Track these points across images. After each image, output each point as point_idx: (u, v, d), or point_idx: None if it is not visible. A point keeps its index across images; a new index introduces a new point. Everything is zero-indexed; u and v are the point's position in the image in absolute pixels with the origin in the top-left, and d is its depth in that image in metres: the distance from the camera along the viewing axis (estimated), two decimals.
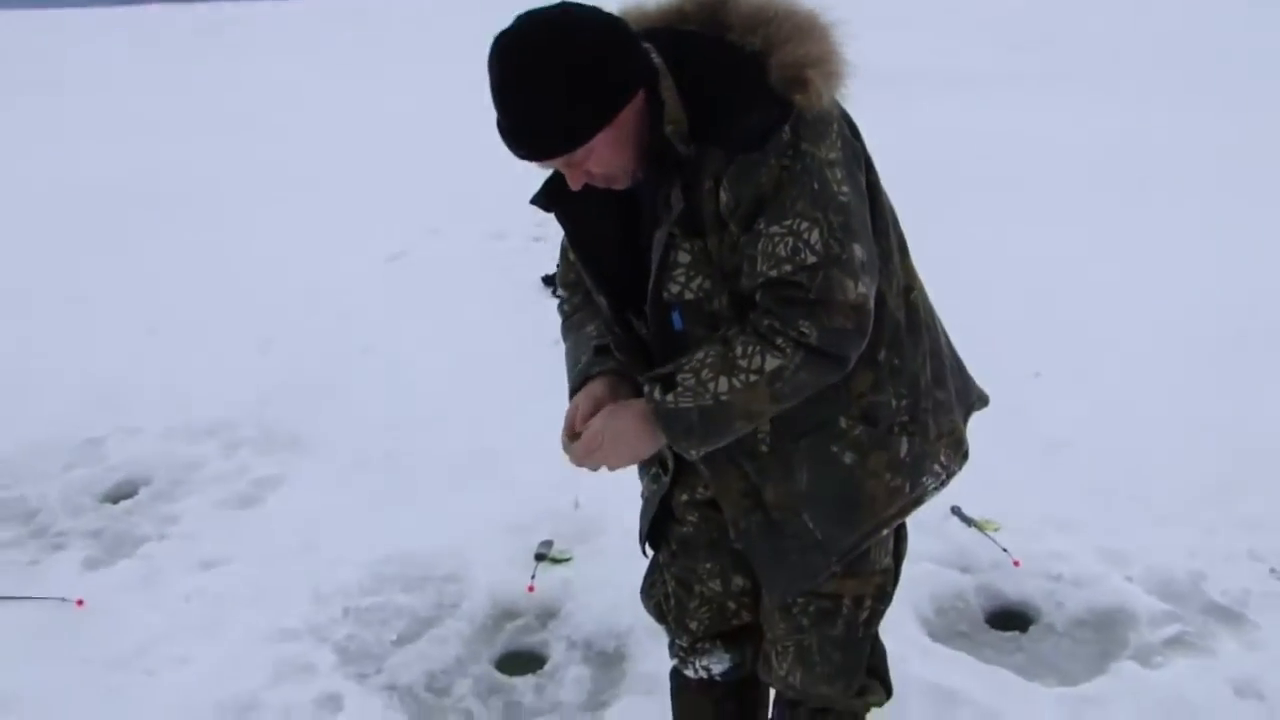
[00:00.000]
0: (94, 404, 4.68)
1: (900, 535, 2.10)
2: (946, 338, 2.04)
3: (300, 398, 4.70)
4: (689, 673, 2.28)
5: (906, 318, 1.87)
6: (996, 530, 3.50)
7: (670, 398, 1.71)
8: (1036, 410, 4.42)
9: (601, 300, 1.90)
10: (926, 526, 3.51)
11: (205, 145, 11.14)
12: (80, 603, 3.24)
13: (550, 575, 3.33)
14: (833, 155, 1.67)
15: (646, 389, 1.75)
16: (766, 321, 1.68)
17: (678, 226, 1.70)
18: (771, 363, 1.66)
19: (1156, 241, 6.68)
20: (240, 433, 4.41)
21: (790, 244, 1.63)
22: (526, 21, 1.63)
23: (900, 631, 3.05)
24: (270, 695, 2.86)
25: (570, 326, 2.01)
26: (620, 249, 1.84)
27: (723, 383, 1.68)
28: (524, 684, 2.98)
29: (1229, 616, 3.17)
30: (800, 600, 2.00)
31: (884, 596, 2.07)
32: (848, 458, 1.83)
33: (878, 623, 2.11)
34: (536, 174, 1.81)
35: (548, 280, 5.63)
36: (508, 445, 4.10)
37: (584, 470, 1.85)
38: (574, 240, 1.90)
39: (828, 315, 1.64)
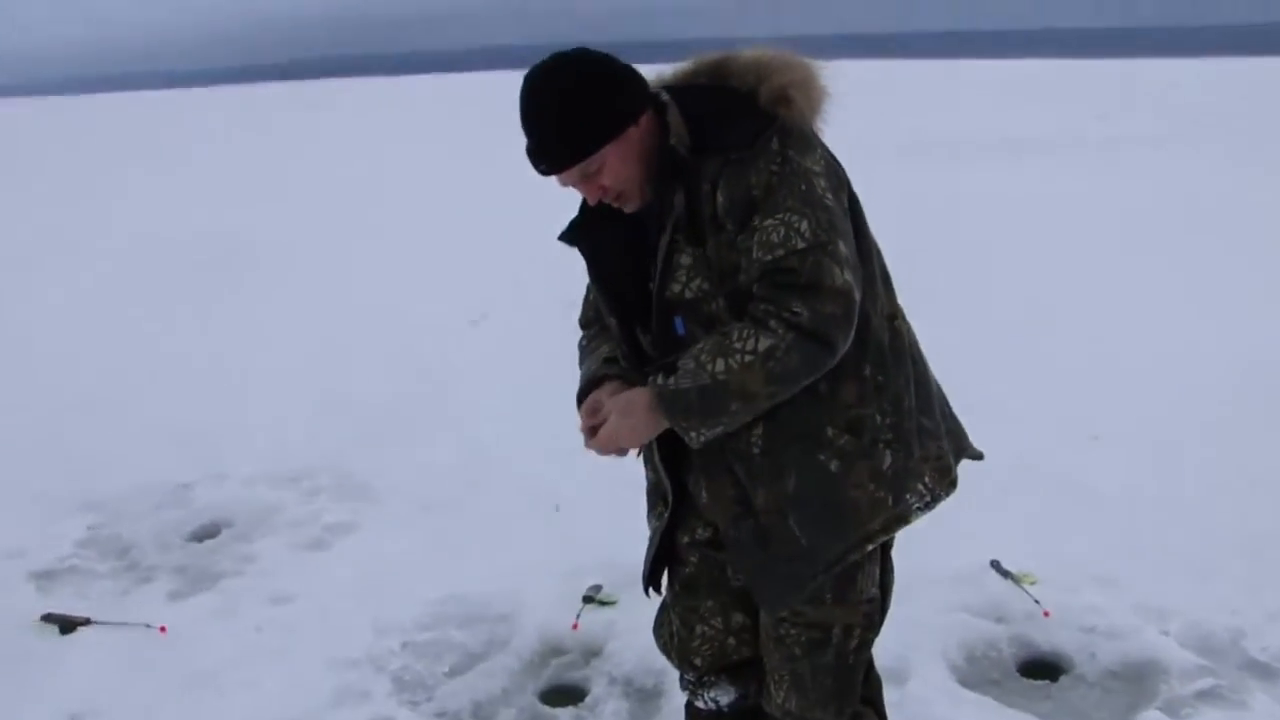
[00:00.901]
0: (186, 452, 5.00)
1: (886, 568, 2.22)
2: (936, 383, 2.19)
3: (377, 450, 4.96)
4: (700, 704, 2.42)
5: (890, 340, 2.03)
6: (1033, 584, 3.57)
7: (671, 380, 1.89)
8: (1084, 469, 4.49)
9: (612, 321, 2.11)
10: (962, 577, 3.63)
11: (299, 211, 11.67)
12: (163, 629, 3.50)
13: (596, 616, 3.50)
14: (817, 168, 1.90)
15: (650, 378, 1.94)
16: (762, 307, 1.85)
17: (679, 232, 1.92)
18: (765, 343, 1.82)
19: (1209, 302, 6.69)
20: (319, 481, 4.68)
21: (782, 232, 1.83)
22: (547, 58, 1.96)
23: (929, 677, 3.16)
24: (329, 717, 3.07)
25: (585, 352, 2.23)
26: (632, 278, 2.06)
27: (719, 364, 1.84)
28: (565, 715, 3.14)
29: (1267, 673, 3.20)
30: (793, 632, 2.14)
31: (872, 625, 2.19)
32: (833, 465, 1.98)
33: (867, 651, 2.22)
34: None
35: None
36: (566, 496, 4.30)
37: (606, 459, 2.07)
38: (593, 268, 2.13)
39: (817, 299, 1.81)
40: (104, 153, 20.65)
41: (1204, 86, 24.06)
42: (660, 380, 1.91)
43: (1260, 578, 3.64)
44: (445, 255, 9.26)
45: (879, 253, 2.06)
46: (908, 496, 2.04)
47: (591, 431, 2.01)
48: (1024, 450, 4.59)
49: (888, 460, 2.01)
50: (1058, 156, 13.77)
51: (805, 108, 1.91)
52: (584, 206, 2.09)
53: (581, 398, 2.10)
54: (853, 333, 1.86)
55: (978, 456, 2.25)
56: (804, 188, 1.86)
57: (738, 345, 1.84)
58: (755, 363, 1.81)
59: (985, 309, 6.59)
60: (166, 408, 5.61)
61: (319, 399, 5.68)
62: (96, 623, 3.56)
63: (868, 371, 1.98)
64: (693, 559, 2.29)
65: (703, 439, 1.90)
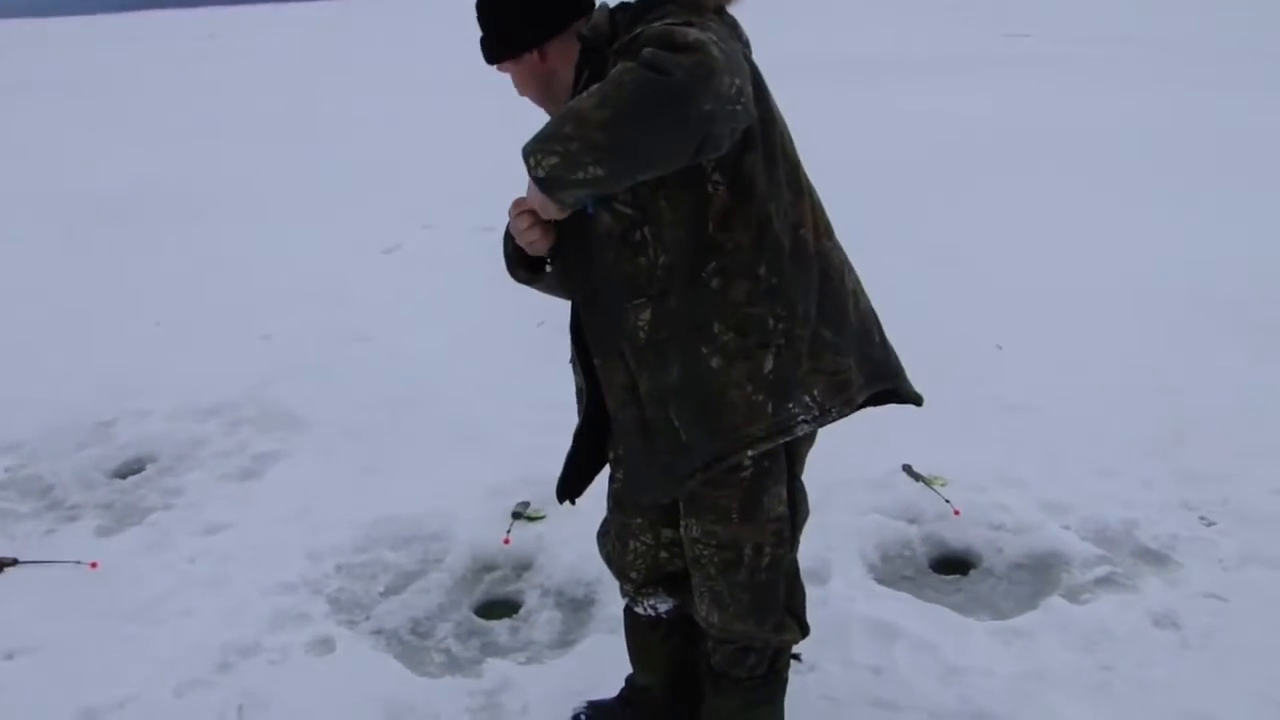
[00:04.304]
0: (105, 391, 4.95)
1: (794, 487, 2.26)
2: (865, 309, 2.21)
3: (298, 381, 4.96)
4: (639, 610, 2.52)
5: (792, 247, 2.01)
6: (944, 485, 3.75)
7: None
8: (993, 378, 4.69)
9: None
10: (876, 482, 3.80)
11: (205, 149, 11.42)
12: (94, 565, 3.51)
13: (526, 531, 3.60)
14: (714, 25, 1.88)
15: None
16: None
17: None
18: (608, 75, 1.76)
19: (1119, 220, 6.93)
20: (241, 413, 4.67)
21: (659, 26, 1.80)
22: None
23: (848, 576, 3.32)
24: (269, 639, 3.13)
25: None
26: None
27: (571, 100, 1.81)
28: (500, 627, 3.25)
29: (1156, 559, 3.43)
30: (706, 552, 2.22)
31: (782, 542, 2.24)
32: (715, 361, 1.99)
33: (781, 567, 2.27)
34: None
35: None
36: (491, 418, 4.37)
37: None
38: None
39: (664, 47, 1.72)
40: None
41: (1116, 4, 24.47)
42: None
43: (1152, 474, 3.88)
44: (351, 192, 9.16)
45: (793, 162, 2.06)
46: (790, 406, 2.03)
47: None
48: (932, 361, 4.74)
49: (769, 365, 2.00)
50: (961, 77, 13.96)
51: None
52: None
53: None
54: (710, 88, 1.70)
55: (914, 399, 2.24)
56: (691, 20, 1.83)
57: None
58: (594, 89, 1.74)
59: (887, 228, 6.74)
60: (82, 350, 5.53)
61: (236, 334, 5.65)
62: (24, 562, 3.55)
63: (762, 271, 1.97)
64: (618, 475, 2.37)
65: (541, 170, 1.79)
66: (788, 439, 2.07)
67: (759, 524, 2.19)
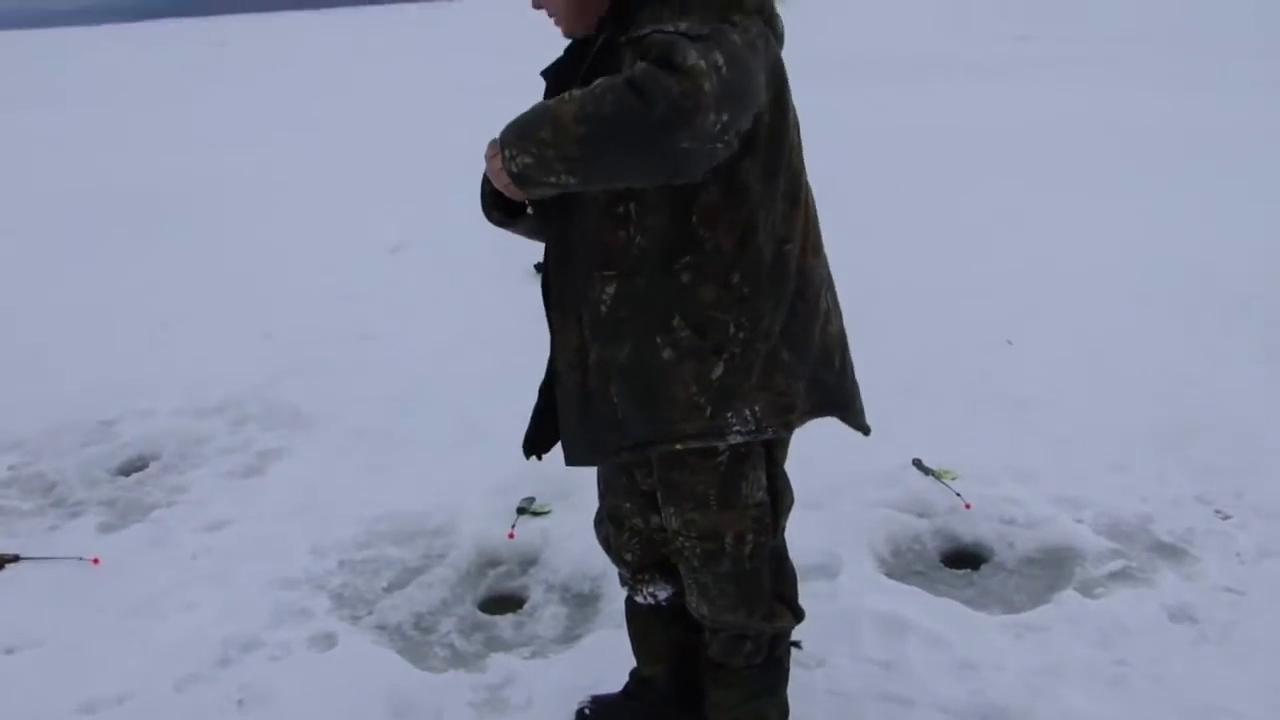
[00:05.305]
0: (108, 391, 4.92)
1: (774, 473, 2.21)
2: (838, 329, 2.17)
3: (302, 379, 4.93)
4: (639, 599, 2.47)
5: (773, 260, 1.98)
6: (954, 479, 3.70)
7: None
8: (1002, 372, 4.64)
9: None
10: (886, 476, 3.75)
11: (209, 152, 11.41)
12: (96, 561, 3.47)
13: (530, 526, 3.56)
14: (743, 20, 1.82)
15: None
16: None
17: (598, 64, 1.91)
18: (594, 85, 1.73)
19: (1128, 215, 6.88)
20: (245, 411, 4.64)
21: (664, 20, 1.77)
22: None
23: (857, 570, 3.27)
24: (270, 635, 3.09)
25: None
26: None
27: (555, 99, 1.79)
28: (504, 622, 3.20)
29: (1171, 552, 3.37)
30: (688, 544, 2.18)
31: (764, 529, 2.19)
32: (666, 353, 1.97)
33: (765, 553, 2.22)
34: None
35: (539, 268, 5.84)
36: (495, 415, 4.29)
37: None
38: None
39: (661, 63, 1.68)
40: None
41: (1125, 6, 24.40)
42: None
43: (1166, 469, 3.82)
44: (357, 190, 9.14)
45: (796, 171, 2.02)
46: (729, 416, 2.01)
47: None
48: (942, 356, 4.74)
49: (718, 371, 1.98)
50: (972, 77, 13.91)
51: None
52: (567, 50, 2.08)
53: None
54: (691, 125, 1.67)
55: (862, 429, 2.25)
56: (717, 5, 1.80)
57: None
58: (576, 95, 1.73)
59: (900, 227, 6.71)
60: (86, 349, 5.51)
61: (241, 333, 5.62)
62: (26, 559, 3.52)
63: (735, 279, 1.95)
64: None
65: (515, 166, 1.80)
66: (719, 443, 2.05)
67: (738, 510, 2.15)
